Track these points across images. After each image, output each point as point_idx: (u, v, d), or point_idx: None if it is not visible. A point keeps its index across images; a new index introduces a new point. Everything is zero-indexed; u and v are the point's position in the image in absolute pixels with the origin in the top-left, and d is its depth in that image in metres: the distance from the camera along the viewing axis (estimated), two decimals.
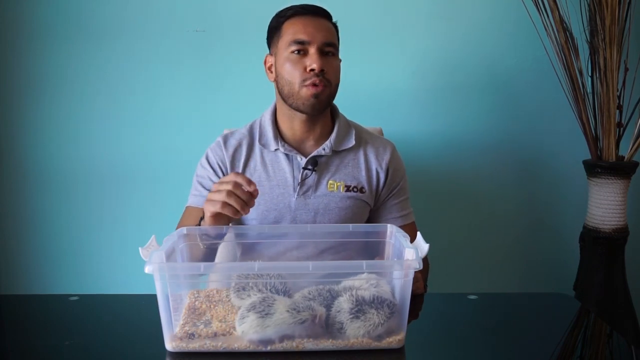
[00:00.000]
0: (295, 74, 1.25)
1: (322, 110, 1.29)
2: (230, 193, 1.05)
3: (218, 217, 1.09)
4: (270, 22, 1.33)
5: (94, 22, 1.84)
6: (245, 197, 1.05)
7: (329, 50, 1.27)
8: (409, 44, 1.87)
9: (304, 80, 1.25)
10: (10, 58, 1.85)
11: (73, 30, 1.84)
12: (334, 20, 1.33)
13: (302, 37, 1.25)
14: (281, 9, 1.32)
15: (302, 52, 1.26)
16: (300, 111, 1.28)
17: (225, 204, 1.05)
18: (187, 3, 1.84)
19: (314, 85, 1.24)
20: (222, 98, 1.88)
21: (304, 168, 1.30)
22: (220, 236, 1.17)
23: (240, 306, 0.90)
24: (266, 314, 0.85)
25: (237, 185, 1.06)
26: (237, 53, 1.85)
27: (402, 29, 1.87)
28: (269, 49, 1.35)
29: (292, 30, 1.27)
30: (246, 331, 0.86)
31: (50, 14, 1.83)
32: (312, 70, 1.24)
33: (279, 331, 0.86)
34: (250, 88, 1.85)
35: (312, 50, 1.25)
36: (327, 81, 1.26)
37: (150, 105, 1.87)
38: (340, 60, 1.34)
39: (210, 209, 1.07)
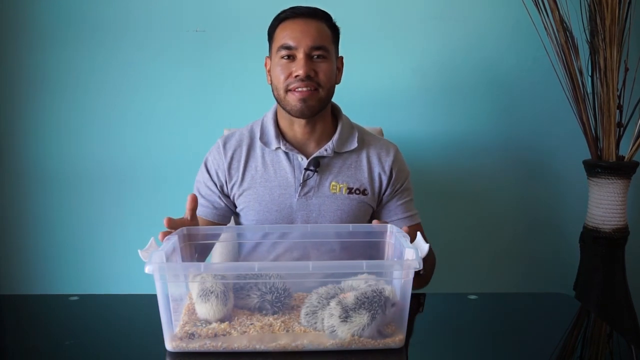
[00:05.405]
0: (281, 78, 1.26)
1: (313, 114, 1.28)
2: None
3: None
4: (269, 26, 1.33)
5: (94, 22, 1.83)
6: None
7: (318, 54, 1.25)
8: (409, 44, 1.87)
9: (288, 85, 1.25)
10: (10, 58, 1.84)
11: (73, 30, 1.83)
12: (333, 20, 1.31)
13: (289, 42, 1.25)
14: (280, 10, 1.31)
15: (291, 57, 1.25)
16: (292, 115, 1.28)
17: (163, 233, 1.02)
18: (187, 3, 1.84)
19: (300, 91, 1.24)
20: (222, 98, 1.87)
21: (306, 169, 1.30)
22: (216, 236, 1.17)
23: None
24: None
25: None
26: (237, 53, 1.85)
27: (402, 29, 1.86)
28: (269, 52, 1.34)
29: (281, 35, 1.27)
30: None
31: (49, 14, 1.83)
32: (297, 76, 1.23)
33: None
34: (250, 88, 1.85)
35: (300, 55, 1.24)
36: (316, 84, 1.25)
37: (150, 105, 1.87)
38: (342, 57, 1.34)
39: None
